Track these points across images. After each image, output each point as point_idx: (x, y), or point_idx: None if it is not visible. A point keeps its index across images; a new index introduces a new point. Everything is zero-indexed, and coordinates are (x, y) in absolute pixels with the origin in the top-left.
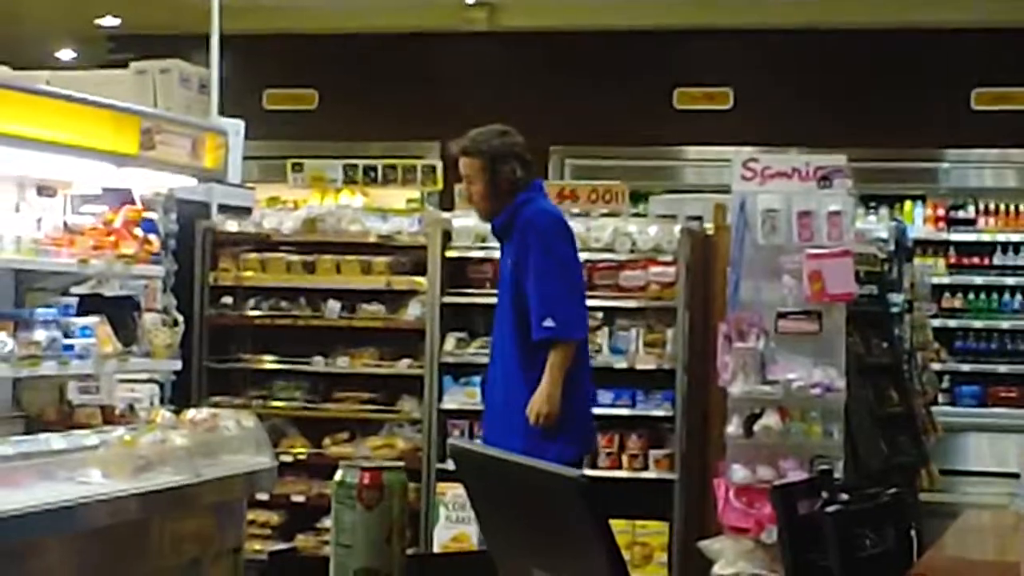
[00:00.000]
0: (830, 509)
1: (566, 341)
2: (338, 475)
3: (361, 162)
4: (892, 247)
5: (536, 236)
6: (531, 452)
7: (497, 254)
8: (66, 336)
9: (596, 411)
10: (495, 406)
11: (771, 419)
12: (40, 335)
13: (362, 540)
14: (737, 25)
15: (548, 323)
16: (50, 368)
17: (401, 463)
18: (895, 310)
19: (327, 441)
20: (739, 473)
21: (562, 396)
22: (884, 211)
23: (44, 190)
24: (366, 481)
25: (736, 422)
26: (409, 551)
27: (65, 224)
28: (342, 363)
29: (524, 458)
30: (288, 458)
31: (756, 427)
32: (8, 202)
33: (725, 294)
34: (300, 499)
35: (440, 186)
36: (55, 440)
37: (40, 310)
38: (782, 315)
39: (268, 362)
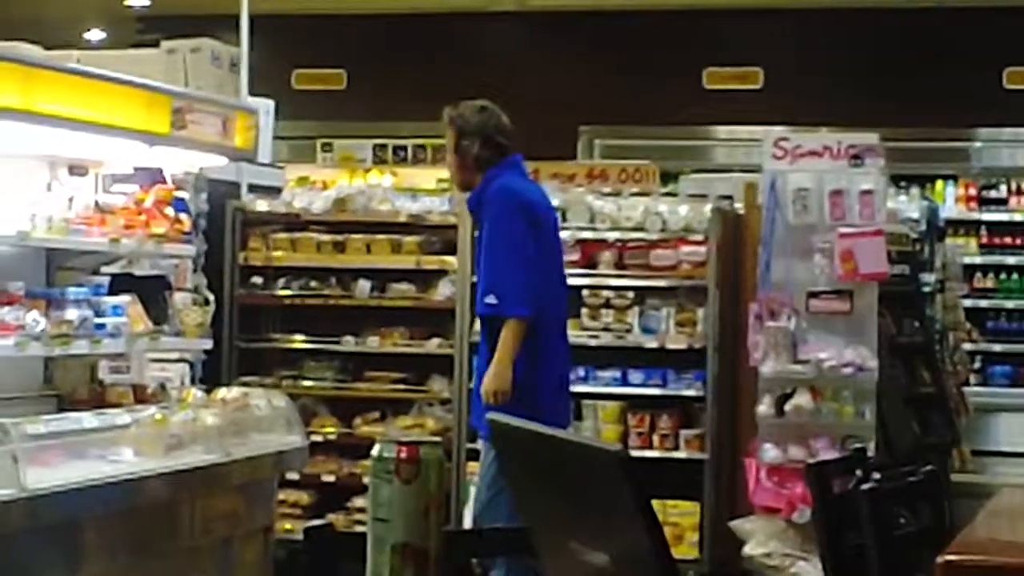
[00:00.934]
0: (865, 487)
1: (511, 318)
2: (375, 450)
3: (391, 142)
4: (923, 227)
5: (489, 211)
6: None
7: None
8: (97, 315)
9: (627, 391)
10: (476, 386)
11: (802, 399)
12: (72, 314)
13: (399, 514)
14: (767, 4)
15: (490, 299)
16: (82, 347)
17: (438, 438)
18: (927, 290)
19: (357, 421)
20: (770, 453)
21: (520, 374)
22: (915, 191)
23: (76, 169)
24: (403, 455)
25: (767, 402)
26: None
27: (96, 203)
28: (372, 343)
29: (565, 433)
30: (318, 438)
31: (787, 407)
32: (40, 181)
33: (756, 273)
34: (330, 479)
35: None
36: (87, 419)
37: (72, 289)
38: (813, 294)
39: (298, 342)
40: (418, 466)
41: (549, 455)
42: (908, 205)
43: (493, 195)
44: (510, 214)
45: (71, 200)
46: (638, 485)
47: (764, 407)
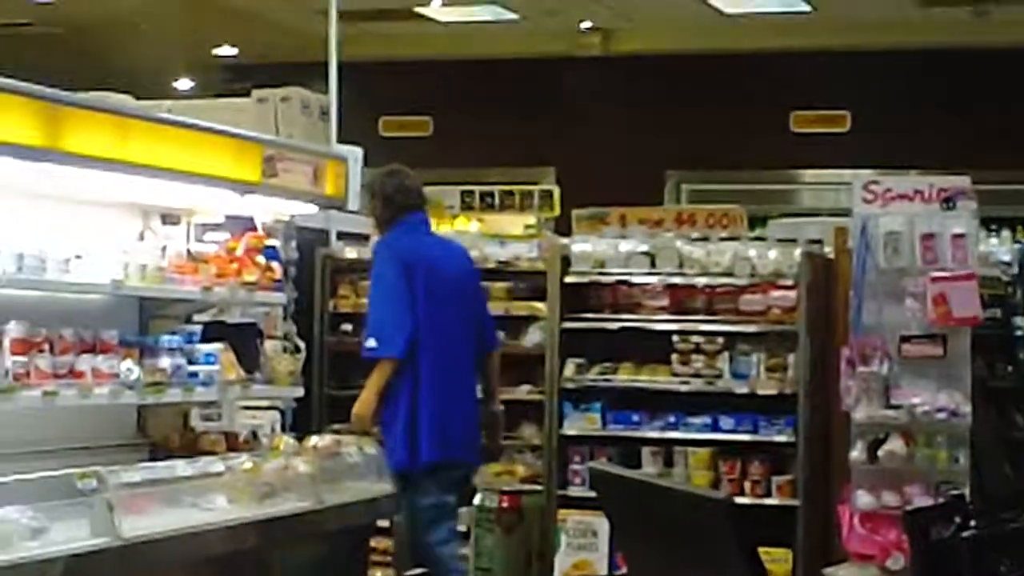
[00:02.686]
0: (965, 534)
1: (386, 359)
2: (477, 498)
3: (478, 188)
4: (1015, 270)
5: (372, 264)
6: None
7: (618, 279)
8: (190, 363)
9: (718, 437)
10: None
11: (895, 444)
12: (165, 362)
13: (501, 564)
14: (853, 46)
15: (370, 343)
16: (175, 395)
17: (539, 487)
18: (1019, 333)
19: None
20: (863, 499)
21: (403, 408)
22: (1006, 233)
23: (168, 218)
24: (505, 505)
25: (860, 447)
26: None
27: (189, 252)
28: None
29: (670, 481)
30: None
31: (880, 452)
32: (133, 230)
33: (847, 318)
34: None
35: (557, 212)
36: (180, 467)
37: (165, 337)
38: (905, 339)
39: None
40: (520, 515)
41: (654, 502)
42: (1000, 248)
43: (375, 249)
44: (383, 264)
45: (164, 249)
46: (744, 532)
47: (856, 453)
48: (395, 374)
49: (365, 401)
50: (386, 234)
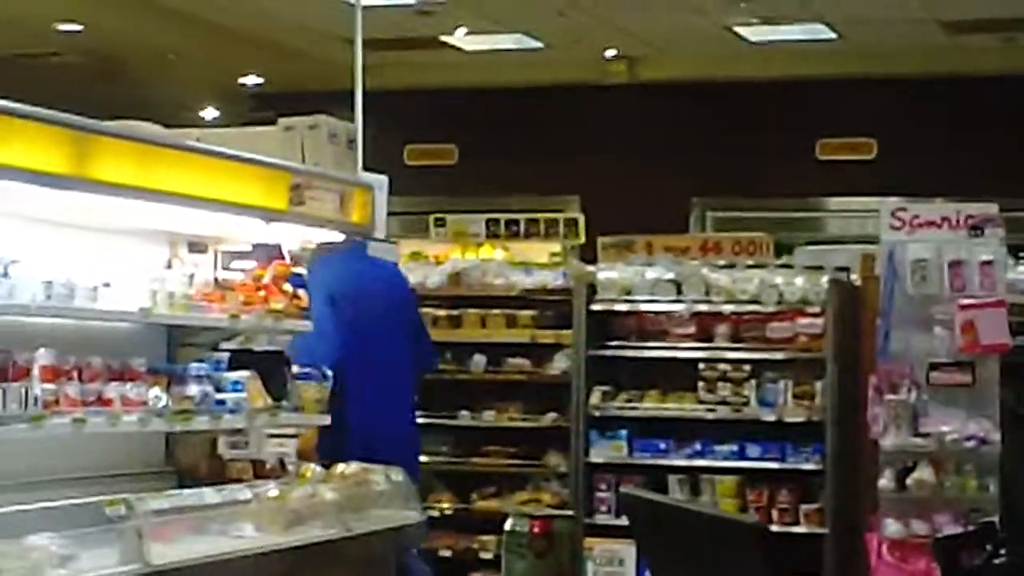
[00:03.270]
0: (997, 561)
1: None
2: (508, 524)
3: (503, 216)
4: None
5: None
6: None
7: (644, 307)
8: (218, 391)
9: (745, 465)
10: None
11: (924, 472)
12: (193, 390)
13: None
14: (879, 73)
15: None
16: (203, 423)
17: (570, 512)
18: None
19: (474, 496)
20: (892, 527)
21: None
22: None
23: (195, 246)
24: (536, 530)
25: (888, 475)
26: None
27: (216, 280)
28: (488, 417)
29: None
30: (435, 513)
31: (909, 480)
32: (160, 258)
33: (874, 345)
34: (447, 554)
35: (582, 239)
36: (208, 494)
37: (193, 365)
38: (934, 366)
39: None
40: (551, 540)
41: (686, 527)
42: None
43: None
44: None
45: (191, 277)
46: (776, 558)
47: (885, 481)
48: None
49: None
50: (315, 264)
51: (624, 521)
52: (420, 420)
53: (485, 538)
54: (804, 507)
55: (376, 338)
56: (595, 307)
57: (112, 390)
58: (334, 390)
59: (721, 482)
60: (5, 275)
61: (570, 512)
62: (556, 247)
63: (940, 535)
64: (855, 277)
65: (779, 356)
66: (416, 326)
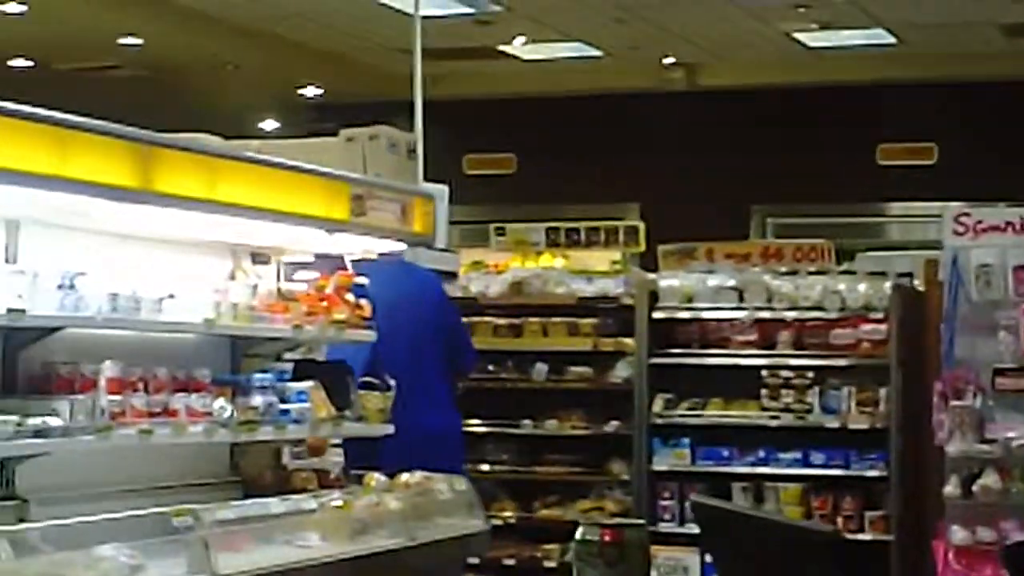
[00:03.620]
0: None
1: None
2: (578, 533)
3: (563, 225)
4: None
5: None
6: None
7: (705, 314)
8: (282, 401)
9: (809, 472)
10: None
11: (990, 478)
12: (257, 400)
13: None
14: (939, 78)
15: None
16: (267, 433)
17: (641, 520)
18: None
19: (536, 504)
20: (958, 534)
21: None
22: None
23: (258, 257)
24: (607, 538)
25: (954, 482)
26: None
27: (279, 290)
28: (550, 425)
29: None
30: (498, 522)
31: (975, 487)
32: (224, 269)
33: (938, 351)
34: (511, 562)
35: (643, 247)
36: (274, 504)
37: (257, 376)
38: (999, 372)
39: (476, 425)
40: (622, 549)
41: (759, 535)
42: None
43: None
44: None
45: (254, 288)
46: (849, 566)
47: (951, 488)
48: None
49: None
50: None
51: (688, 529)
52: (482, 429)
53: (549, 547)
54: (869, 514)
55: (408, 342)
56: (657, 315)
57: (177, 401)
58: None
59: (785, 489)
60: (72, 288)
61: (641, 521)
62: (616, 255)
63: (1008, 542)
64: (918, 283)
65: (842, 363)
66: (450, 330)
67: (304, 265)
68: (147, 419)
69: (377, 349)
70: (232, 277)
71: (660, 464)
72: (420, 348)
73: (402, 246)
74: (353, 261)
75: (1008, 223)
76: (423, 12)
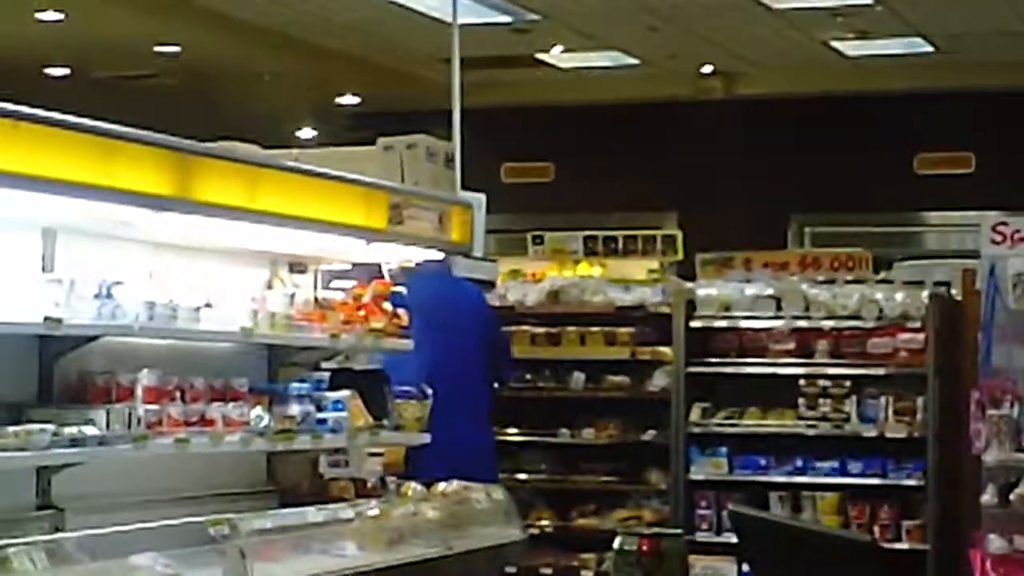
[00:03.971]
0: None
1: None
2: (616, 542)
3: (601, 233)
4: None
5: None
6: None
7: (743, 323)
8: (319, 410)
9: (846, 481)
10: None
11: None
12: (294, 409)
13: None
14: (977, 87)
15: None
16: (304, 442)
17: (679, 530)
18: None
19: (573, 513)
20: (995, 543)
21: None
22: None
23: (296, 266)
24: (644, 548)
25: (991, 491)
26: None
27: (316, 299)
28: (587, 434)
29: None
30: (535, 531)
31: (1012, 496)
32: (261, 278)
33: (975, 360)
34: (547, 572)
35: (681, 256)
36: (311, 513)
37: (294, 385)
38: None
39: (513, 434)
40: (660, 558)
41: (797, 545)
42: None
43: None
44: None
45: (292, 296)
46: (889, 575)
47: (988, 496)
48: None
49: None
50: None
51: (725, 538)
52: (519, 438)
53: (586, 556)
54: (906, 523)
55: (453, 354)
56: (694, 324)
57: (214, 410)
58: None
59: (822, 498)
60: (109, 296)
61: (678, 530)
62: (654, 264)
63: None
64: (955, 292)
65: (879, 372)
66: (492, 343)
67: (341, 274)
68: (184, 428)
69: (433, 359)
70: (269, 286)
71: (697, 473)
72: (468, 361)
73: (439, 255)
74: (396, 270)
75: None
76: (461, 21)
